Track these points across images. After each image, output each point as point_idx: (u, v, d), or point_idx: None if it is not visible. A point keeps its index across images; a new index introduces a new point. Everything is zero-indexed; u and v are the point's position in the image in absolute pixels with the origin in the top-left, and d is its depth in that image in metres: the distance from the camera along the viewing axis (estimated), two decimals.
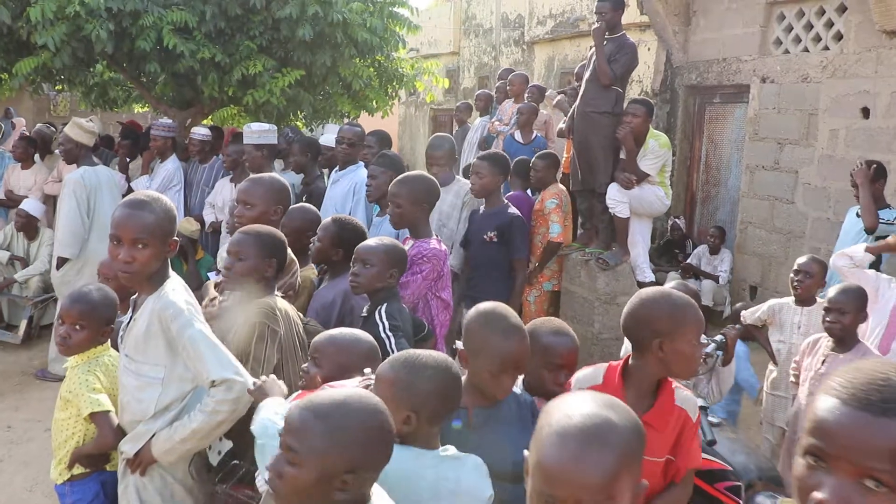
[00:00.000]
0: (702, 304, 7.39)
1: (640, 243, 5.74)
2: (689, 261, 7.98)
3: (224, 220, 6.55)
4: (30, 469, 4.31)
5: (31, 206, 6.69)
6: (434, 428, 1.90)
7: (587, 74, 5.60)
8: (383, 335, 2.72)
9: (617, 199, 5.36)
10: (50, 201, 7.17)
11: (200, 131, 6.74)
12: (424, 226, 3.54)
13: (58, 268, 5.36)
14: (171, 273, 2.38)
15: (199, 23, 6.48)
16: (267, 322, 2.56)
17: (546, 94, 8.18)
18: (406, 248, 3.36)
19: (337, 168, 5.19)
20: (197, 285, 6.46)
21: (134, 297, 2.42)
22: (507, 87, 7.47)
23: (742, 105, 7.94)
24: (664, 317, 2.10)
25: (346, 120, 8.01)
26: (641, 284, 5.69)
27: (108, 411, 2.53)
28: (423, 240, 3.48)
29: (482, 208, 4.75)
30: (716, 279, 7.65)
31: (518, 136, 7.04)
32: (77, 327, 2.67)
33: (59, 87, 8.14)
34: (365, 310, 2.98)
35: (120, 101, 8.95)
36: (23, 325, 6.42)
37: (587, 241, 5.74)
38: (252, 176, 3.27)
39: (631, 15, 9.16)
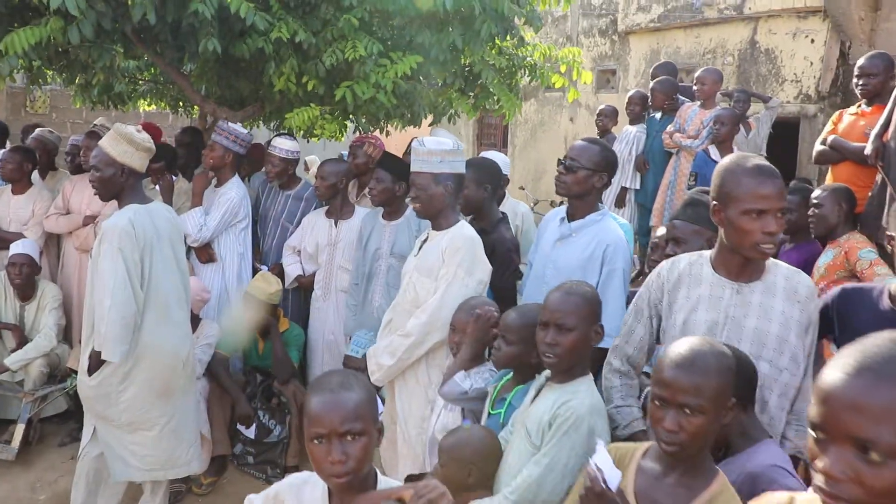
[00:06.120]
0: None
1: None
2: None
3: (312, 270, 4.52)
4: None
5: (29, 247, 4.56)
6: None
7: None
8: None
9: None
10: (52, 241, 5.02)
11: (285, 145, 4.65)
12: None
13: (90, 371, 3.25)
14: None
15: None
16: None
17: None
18: None
19: (563, 215, 3.17)
20: (287, 372, 4.40)
21: None
22: (695, 88, 5.53)
23: None
24: None
25: (425, 122, 5.96)
26: None
27: None
28: None
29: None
30: None
31: (714, 153, 5.11)
32: None
33: (53, 74, 5.87)
34: None
35: (125, 96, 6.76)
36: (18, 431, 4.28)
37: None
38: (566, 287, 2.35)
39: None
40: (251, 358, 4.48)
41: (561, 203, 9.18)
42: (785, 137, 6.96)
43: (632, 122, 6.33)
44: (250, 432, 4.17)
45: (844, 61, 6.92)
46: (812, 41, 7.13)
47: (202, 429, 3.91)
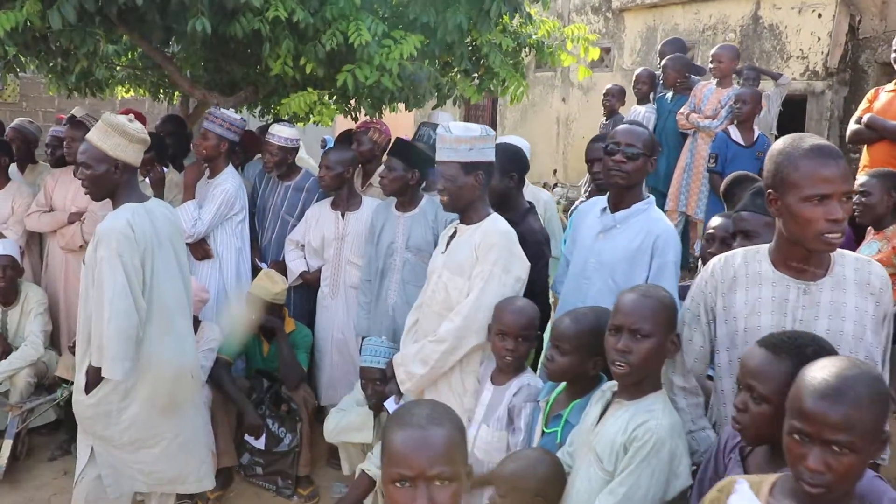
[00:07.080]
0: None
1: None
2: None
3: (317, 266, 4.26)
4: None
5: (10, 248, 4.25)
6: None
7: None
8: None
9: None
10: (34, 240, 4.68)
11: (284, 132, 4.35)
12: None
13: (88, 389, 2.96)
14: None
15: None
16: None
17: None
18: None
19: (604, 205, 2.92)
20: (297, 377, 4.12)
21: None
22: (710, 66, 5.29)
23: None
24: None
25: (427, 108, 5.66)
26: None
27: None
28: None
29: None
30: None
31: (735, 133, 4.88)
32: None
33: (28, 61, 5.47)
34: None
35: (104, 83, 6.38)
36: (6, 447, 3.97)
37: None
38: (641, 289, 2.12)
39: None
40: (255, 360, 4.20)
41: (555, 185, 8.88)
42: (791, 115, 6.77)
43: (639, 102, 6.09)
44: (259, 442, 3.90)
45: (854, 36, 6.74)
46: (819, 15, 6.93)
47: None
